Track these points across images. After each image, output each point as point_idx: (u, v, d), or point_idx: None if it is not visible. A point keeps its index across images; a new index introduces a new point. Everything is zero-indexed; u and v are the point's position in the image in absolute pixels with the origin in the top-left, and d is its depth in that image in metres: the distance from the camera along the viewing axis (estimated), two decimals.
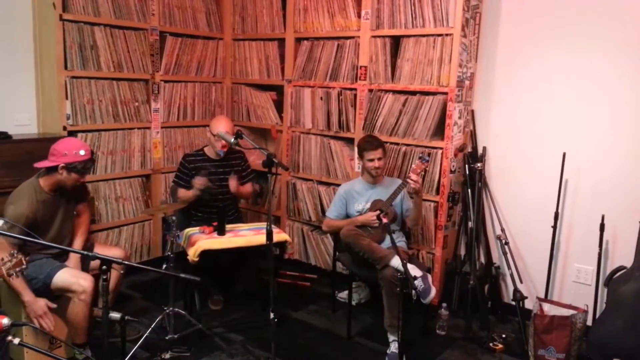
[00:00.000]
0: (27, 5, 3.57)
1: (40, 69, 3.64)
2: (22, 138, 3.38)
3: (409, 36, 3.59)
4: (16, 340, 1.95)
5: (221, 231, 3.35)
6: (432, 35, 3.48)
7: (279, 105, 4.39)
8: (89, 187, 3.71)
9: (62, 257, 2.87)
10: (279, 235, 3.38)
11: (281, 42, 4.28)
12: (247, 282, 3.89)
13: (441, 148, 3.51)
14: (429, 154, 3.48)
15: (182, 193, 3.57)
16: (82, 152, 2.73)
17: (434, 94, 3.51)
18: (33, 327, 2.59)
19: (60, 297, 2.75)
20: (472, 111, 3.67)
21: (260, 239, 3.24)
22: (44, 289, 2.69)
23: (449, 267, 3.63)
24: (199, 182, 3.45)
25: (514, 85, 3.50)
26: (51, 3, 3.42)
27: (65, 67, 3.55)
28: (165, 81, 4.19)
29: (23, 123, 3.59)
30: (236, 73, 4.64)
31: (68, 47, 3.54)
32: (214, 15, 4.53)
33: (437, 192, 3.55)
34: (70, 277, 2.70)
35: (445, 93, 3.45)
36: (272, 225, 2.81)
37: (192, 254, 3.17)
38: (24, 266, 2.21)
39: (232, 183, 3.58)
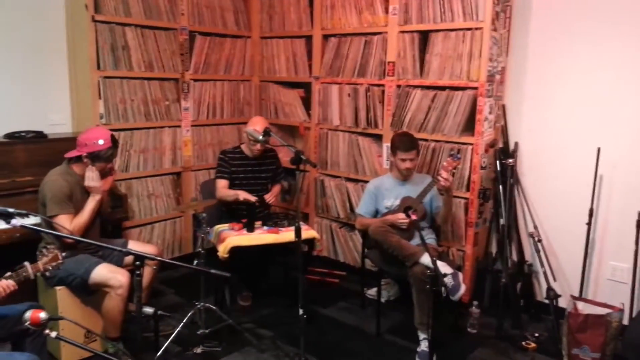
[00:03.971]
0: (59, 7, 3.66)
1: (74, 69, 3.73)
2: (57, 137, 3.47)
3: (437, 31, 3.54)
4: (53, 334, 2.00)
5: (250, 228, 3.38)
6: (462, 29, 3.43)
7: (306, 103, 4.39)
8: (122, 184, 3.81)
9: (98, 253, 2.95)
10: (307, 232, 3.40)
11: (308, 39, 4.28)
12: (276, 278, 3.91)
13: (471, 144, 3.46)
14: (459, 151, 3.43)
15: (224, 191, 3.57)
16: (100, 142, 2.82)
17: (463, 89, 3.46)
18: (69, 321, 2.65)
19: (96, 292, 2.82)
20: (504, 106, 3.61)
21: (289, 235, 3.26)
22: (81, 285, 2.76)
23: (480, 265, 3.58)
24: (244, 197, 3.46)
25: (547, 79, 3.43)
26: (83, 4, 3.50)
27: (98, 68, 3.63)
28: (195, 80, 4.24)
29: (58, 123, 3.69)
30: (264, 71, 4.67)
31: (100, 48, 3.62)
32: (242, 14, 4.56)
33: (468, 189, 3.50)
34: (108, 272, 2.76)
35: (476, 88, 3.40)
36: (301, 222, 2.82)
37: (222, 250, 3.21)
38: (60, 261, 2.28)
39: (271, 198, 3.63)
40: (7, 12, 3.43)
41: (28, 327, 1.91)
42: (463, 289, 2.98)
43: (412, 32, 3.66)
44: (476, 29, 3.36)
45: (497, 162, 3.51)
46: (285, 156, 4.21)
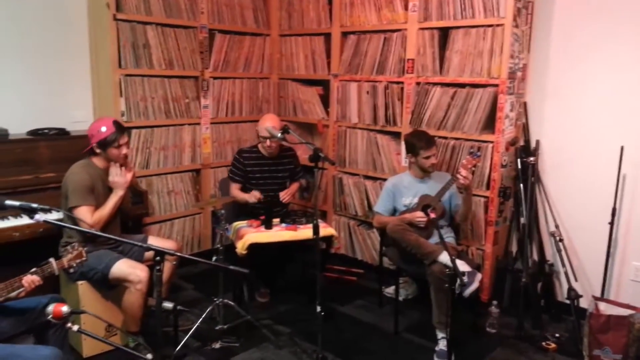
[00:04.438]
0: (82, 6, 3.71)
1: (96, 67, 3.78)
2: (79, 134, 3.52)
3: (458, 27, 3.51)
4: (75, 327, 2.04)
5: (268, 225, 3.40)
6: (482, 26, 3.39)
7: (325, 100, 4.39)
8: (143, 181, 3.85)
9: (118, 248, 2.99)
10: (325, 230, 3.39)
11: (327, 36, 4.28)
12: (294, 275, 3.92)
13: (492, 142, 3.42)
14: (479, 149, 3.40)
15: (236, 192, 3.60)
16: (103, 129, 2.87)
17: (484, 86, 3.42)
18: (91, 315, 2.70)
19: (117, 287, 2.86)
20: (525, 103, 3.56)
21: (307, 233, 3.26)
22: (102, 280, 2.80)
23: (500, 264, 3.54)
24: (256, 196, 3.47)
25: (569, 77, 3.37)
26: (105, 3, 3.54)
27: (120, 66, 3.67)
28: (214, 78, 4.27)
29: (80, 120, 3.74)
30: (283, 68, 4.68)
31: (122, 46, 3.66)
32: (261, 12, 4.58)
33: (488, 187, 3.47)
34: (127, 267, 2.80)
35: (496, 85, 3.36)
36: (319, 220, 2.82)
37: (241, 246, 3.23)
38: (84, 258, 2.32)
39: (287, 196, 3.63)
40: (31, 13, 3.49)
41: (50, 320, 1.95)
42: (474, 286, 2.95)
43: (432, 29, 3.63)
44: (497, 25, 3.31)
45: (518, 160, 3.46)
46: (303, 154, 4.21)
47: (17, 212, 2.96)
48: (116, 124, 2.92)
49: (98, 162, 2.94)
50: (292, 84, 4.61)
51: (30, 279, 2.16)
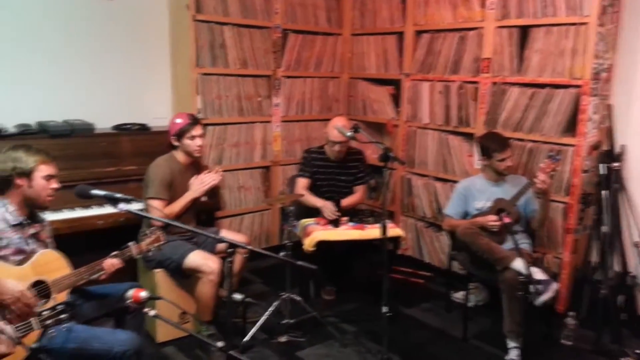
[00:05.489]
0: (163, 8, 3.88)
1: (175, 66, 3.95)
2: (159, 130, 3.68)
3: (538, 26, 3.37)
4: (152, 312, 2.12)
5: (336, 223, 3.40)
6: (565, 24, 3.24)
7: (395, 100, 4.35)
8: None
9: (193, 239, 3.10)
10: (393, 230, 3.36)
11: (400, 35, 4.23)
12: (360, 275, 3.91)
13: (573, 145, 3.26)
14: (558, 152, 3.24)
15: (307, 194, 3.60)
16: (178, 120, 3.03)
17: (565, 86, 3.27)
18: (166, 301, 2.81)
19: (190, 277, 2.97)
20: (610, 106, 3.36)
21: (374, 232, 3.25)
22: (176, 269, 2.92)
23: (578, 274, 3.36)
24: (330, 210, 3.46)
25: None
26: (185, 5, 3.68)
27: (197, 65, 3.80)
28: (286, 77, 4.33)
29: (160, 116, 3.91)
30: (353, 68, 4.67)
31: (200, 46, 3.79)
32: (334, 12, 4.59)
33: (567, 193, 3.30)
34: (201, 258, 2.90)
35: (579, 86, 3.20)
36: (387, 220, 2.80)
37: (308, 243, 3.26)
38: (162, 242, 2.42)
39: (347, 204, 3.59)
40: (116, 16, 3.68)
41: (129, 305, 2.04)
42: (547, 295, 2.81)
43: (510, 27, 3.51)
44: (581, 24, 3.15)
45: (601, 165, 3.27)
46: (372, 153, 4.19)
47: (101, 201, 3.12)
48: (190, 116, 3.06)
49: (179, 156, 3.07)
50: (363, 83, 4.60)
51: (111, 262, 2.28)
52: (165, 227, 2.92)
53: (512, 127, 3.53)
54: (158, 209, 2.88)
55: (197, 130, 3.03)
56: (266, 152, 4.31)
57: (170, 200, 2.98)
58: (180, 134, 3.01)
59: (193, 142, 3.02)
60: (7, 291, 1.94)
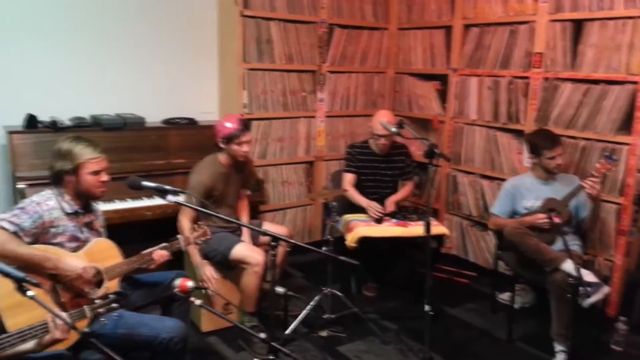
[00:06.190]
0: (212, 4, 3.96)
1: (223, 62, 4.01)
2: (206, 124, 3.75)
3: (593, 19, 3.24)
4: (198, 302, 2.17)
5: (379, 220, 3.39)
6: (622, 18, 3.10)
7: (442, 95, 4.28)
8: (260, 170, 4.02)
9: (236, 232, 3.15)
10: (437, 228, 3.32)
11: (447, 29, 4.16)
12: (402, 272, 3.88)
13: (628, 144, 3.12)
14: (613, 151, 3.11)
15: (353, 191, 3.56)
16: (228, 125, 2.99)
17: (621, 82, 3.13)
18: (210, 292, 2.87)
19: (235, 268, 3.02)
20: None
21: (418, 230, 3.21)
22: (222, 260, 2.98)
23: (631, 278, 3.22)
24: (376, 212, 3.42)
25: None
26: (233, 1, 3.73)
27: (244, 60, 3.86)
28: (331, 72, 4.33)
29: (207, 111, 3.99)
30: (399, 63, 4.62)
31: (247, 42, 3.84)
32: (380, 6, 4.55)
33: (621, 194, 3.17)
34: (247, 250, 2.96)
35: (636, 82, 3.06)
36: (431, 218, 2.76)
37: (350, 239, 3.26)
38: (208, 236, 2.48)
39: (389, 208, 3.52)
40: (166, 13, 3.77)
41: (176, 293, 2.10)
42: (596, 297, 2.70)
43: (563, 20, 3.38)
44: (639, 17, 3.01)
45: None
46: (417, 150, 4.14)
47: (150, 193, 3.22)
48: (241, 121, 3.05)
49: (222, 158, 3.07)
50: (409, 78, 4.54)
51: (160, 254, 2.35)
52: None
53: (565, 125, 3.41)
54: (185, 218, 2.91)
55: (246, 137, 3.02)
56: (310, 147, 4.33)
57: (213, 203, 3.00)
58: (230, 138, 2.98)
59: (240, 148, 3.01)
60: (70, 268, 2.04)
